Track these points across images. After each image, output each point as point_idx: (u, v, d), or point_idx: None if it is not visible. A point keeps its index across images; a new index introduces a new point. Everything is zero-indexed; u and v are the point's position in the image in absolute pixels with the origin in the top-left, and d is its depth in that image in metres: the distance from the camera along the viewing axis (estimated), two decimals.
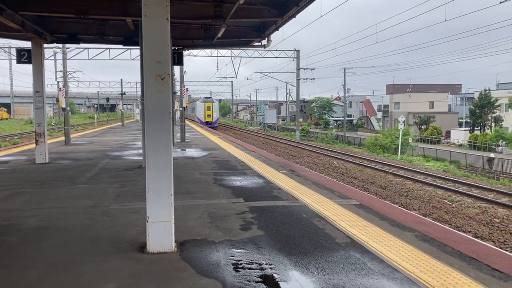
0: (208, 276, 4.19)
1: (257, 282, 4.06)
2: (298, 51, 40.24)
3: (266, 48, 15.79)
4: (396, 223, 6.09)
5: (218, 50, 39.72)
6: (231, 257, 4.72)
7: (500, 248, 10.06)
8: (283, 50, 40.81)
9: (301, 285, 3.99)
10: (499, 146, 47.02)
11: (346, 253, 4.85)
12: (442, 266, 4.41)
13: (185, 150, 17.16)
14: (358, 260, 4.62)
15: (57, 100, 26.47)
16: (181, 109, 23.73)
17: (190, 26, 13.98)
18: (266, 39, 14.31)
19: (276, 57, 40.69)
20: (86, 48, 34.82)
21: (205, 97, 64.21)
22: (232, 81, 56.84)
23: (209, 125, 54.16)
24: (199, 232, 5.68)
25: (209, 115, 59.24)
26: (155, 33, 4.81)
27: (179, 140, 21.59)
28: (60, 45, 23.66)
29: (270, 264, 4.51)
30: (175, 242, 5.00)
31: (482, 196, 17.19)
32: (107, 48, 35.48)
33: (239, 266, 4.47)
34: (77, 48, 31.50)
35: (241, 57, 41.31)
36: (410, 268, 4.35)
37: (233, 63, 42.17)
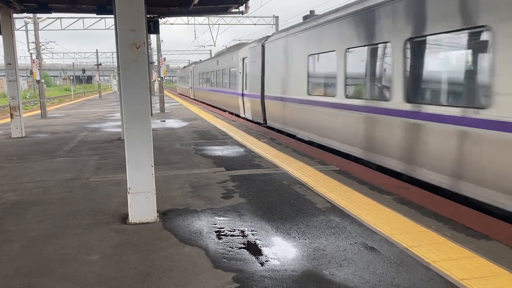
0: (191, 244, 4.23)
1: (240, 248, 4.12)
2: (277, 17, 39.64)
3: (244, 15, 15.54)
4: (375, 187, 6.20)
5: (195, 17, 38.93)
6: (213, 225, 4.76)
7: None
8: (262, 17, 40.12)
9: (283, 249, 4.06)
10: None
11: (326, 217, 4.94)
12: (419, 227, 4.53)
13: (165, 121, 17.01)
14: (338, 224, 4.71)
15: (31, 73, 25.77)
16: (159, 79, 23.37)
17: None
18: (244, 5, 14.05)
19: (255, 24, 40.05)
20: (58, 17, 33.71)
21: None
22: (210, 50, 55.76)
23: None
24: (181, 201, 5.70)
25: None
26: (130, 0, 4.67)
27: (158, 111, 21.36)
28: (31, 15, 22.86)
29: (252, 231, 4.57)
30: (157, 212, 5.01)
31: None
32: (81, 18, 34.43)
33: (222, 233, 4.52)
34: (49, 18, 30.47)
35: (219, 24, 40.55)
36: (389, 230, 4.46)
37: (211, 31, 41.35)
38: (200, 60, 42.21)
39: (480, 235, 4.27)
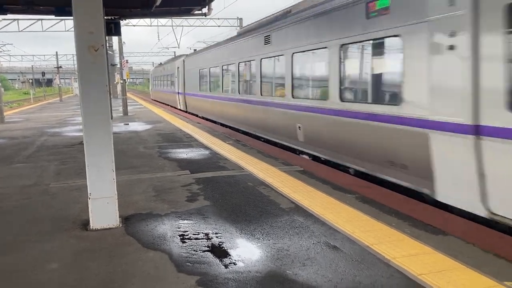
0: (154, 249, 4.18)
1: (204, 251, 4.10)
2: (241, 19, 39.78)
3: (208, 17, 15.49)
4: (338, 186, 6.30)
5: (158, 19, 38.52)
6: (177, 229, 4.72)
7: None
8: (226, 19, 40.18)
9: (247, 251, 4.07)
10: None
11: (290, 218, 4.99)
12: (380, 225, 4.64)
13: (128, 124, 16.74)
14: (302, 224, 4.76)
15: None
16: (121, 81, 22.97)
17: None
18: (207, 7, 14.00)
19: (219, 26, 40.04)
20: (15, 19, 32.67)
21: None
22: (174, 52, 55.16)
23: None
24: (144, 206, 5.62)
25: None
26: (86, 2, 4.58)
27: (122, 114, 21.00)
28: None
29: (216, 233, 4.56)
30: (119, 217, 4.93)
31: None
32: (39, 19, 33.45)
33: (186, 237, 4.48)
34: (5, 19, 29.48)
35: (182, 26, 40.28)
36: (351, 229, 4.54)
37: (175, 33, 40.96)
38: (195, 50, 26.89)
39: (438, 231, 4.41)
